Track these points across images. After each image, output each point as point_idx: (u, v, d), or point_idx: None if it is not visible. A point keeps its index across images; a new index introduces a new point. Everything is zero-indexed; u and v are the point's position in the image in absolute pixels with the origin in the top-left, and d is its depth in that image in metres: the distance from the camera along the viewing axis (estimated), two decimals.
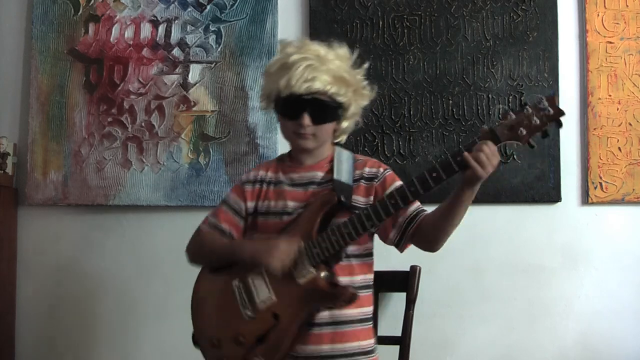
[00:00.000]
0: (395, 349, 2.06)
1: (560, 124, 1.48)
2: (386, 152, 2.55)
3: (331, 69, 1.62)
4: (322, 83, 1.60)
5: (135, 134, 2.64)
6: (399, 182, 1.69)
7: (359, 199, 1.67)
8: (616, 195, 2.53)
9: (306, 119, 1.62)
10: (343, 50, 1.68)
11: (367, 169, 1.71)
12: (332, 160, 1.71)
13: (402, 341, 1.92)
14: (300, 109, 1.62)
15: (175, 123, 2.63)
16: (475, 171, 1.46)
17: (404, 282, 1.94)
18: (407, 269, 1.95)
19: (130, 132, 2.64)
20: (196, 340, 1.70)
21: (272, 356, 1.58)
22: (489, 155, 1.46)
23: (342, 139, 1.77)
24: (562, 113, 1.46)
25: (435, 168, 1.51)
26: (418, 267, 1.95)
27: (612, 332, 2.51)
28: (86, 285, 2.64)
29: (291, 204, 1.68)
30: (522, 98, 1.47)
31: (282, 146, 2.57)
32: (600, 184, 2.54)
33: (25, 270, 2.66)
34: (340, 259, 1.61)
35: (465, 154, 1.48)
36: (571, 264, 2.55)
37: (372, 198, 1.68)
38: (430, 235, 1.63)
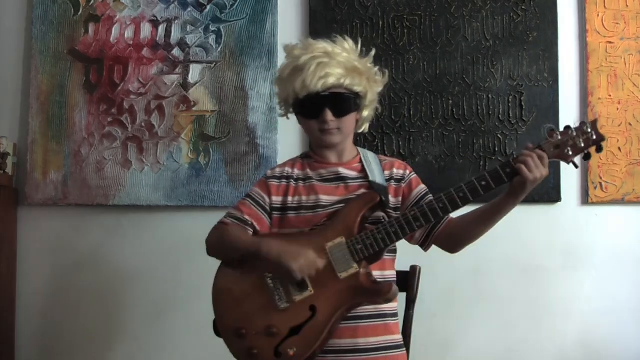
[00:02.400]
0: None
1: (600, 149, 1.54)
2: (386, 152, 2.55)
3: (341, 61, 1.66)
4: (335, 77, 1.64)
5: (135, 134, 2.64)
6: (422, 186, 1.77)
7: (391, 199, 1.72)
8: (616, 195, 2.53)
9: (329, 115, 1.66)
10: (348, 44, 1.72)
11: (395, 170, 1.76)
12: (361, 161, 1.76)
13: (402, 341, 1.91)
14: (321, 106, 1.65)
15: (175, 123, 2.63)
16: (523, 173, 1.50)
17: (404, 282, 1.93)
18: (407, 269, 1.94)
19: (130, 132, 2.64)
20: (218, 330, 1.69)
21: (307, 348, 1.58)
22: (536, 160, 1.51)
23: (365, 127, 1.82)
24: (603, 138, 1.53)
25: (485, 177, 1.56)
26: (418, 267, 1.95)
27: (612, 332, 2.52)
28: (86, 285, 2.63)
29: (324, 197, 1.70)
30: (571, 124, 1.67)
31: (282, 146, 2.58)
32: (600, 184, 2.54)
33: (25, 270, 2.66)
34: (380, 257, 1.64)
35: (517, 162, 1.53)
36: (571, 264, 2.55)
37: (400, 199, 1.74)
38: (458, 239, 1.70)
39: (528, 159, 1.51)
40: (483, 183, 1.55)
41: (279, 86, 1.76)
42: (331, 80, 1.63)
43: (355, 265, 1.59)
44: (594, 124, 1.54)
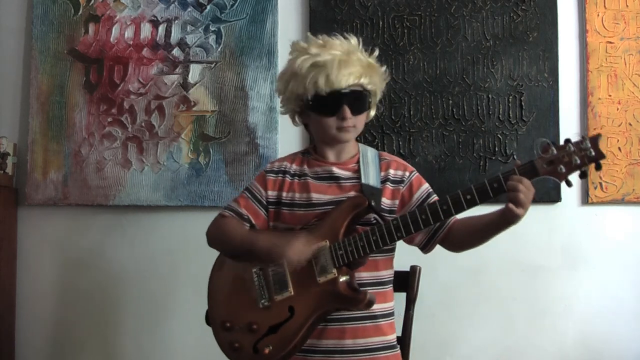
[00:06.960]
0: None
1: (599, 167, 1.43)
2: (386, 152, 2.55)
3: (359, 59, 1.67)
4: (356, 75, 1.64)
5: (135, 134, 2.64)
6: (425, 186, 1.74)
7: (385, 201, 1.69)
8: (616, 195, 2.53)
9: (347, 112, 1.65)
10: (354, 40, 1.72)
11: (391, 171, 1.73)
12: (358, 161, 1.74)
13: (402, 341, 1.91)
14: (340, 103, 1.65)
15: (175, 123, 2.63)
16: (514, 212, 1.49)
17: (404, 282, 1.93)
18: (407, 269, 1.94)
19: (130, 132, 2.64)
20: (209, 320, 1.74)
21: (282, 348, 1.60)
22: (526, 193, 1.47)
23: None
24: (603, 156, 1.42)
25: (471, 191, 1.53)
26: (418, 267, 1.95)
27: (612, 332, 2.52)
28: (86, 285, 2.64)
29: (315, 195, 1.70)
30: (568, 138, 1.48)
31: (282, 146, 2.57)
32: (600, 184, 2.54)
33: (25, 270, 2.66)
34: (364, 264, 1.63)
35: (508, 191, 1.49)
36: (571, 264, 2.55)
37: (397, 202, 1.71)
38: (460, 244, 1.71)
39: (517, 194, 1.47)
40: (468, 197, 1.52)
41: (293, 81, 1.69)
42: (353, 78, 1.64)
43: (335, 271, 1.58)
44: (594, 140, 1.41)
